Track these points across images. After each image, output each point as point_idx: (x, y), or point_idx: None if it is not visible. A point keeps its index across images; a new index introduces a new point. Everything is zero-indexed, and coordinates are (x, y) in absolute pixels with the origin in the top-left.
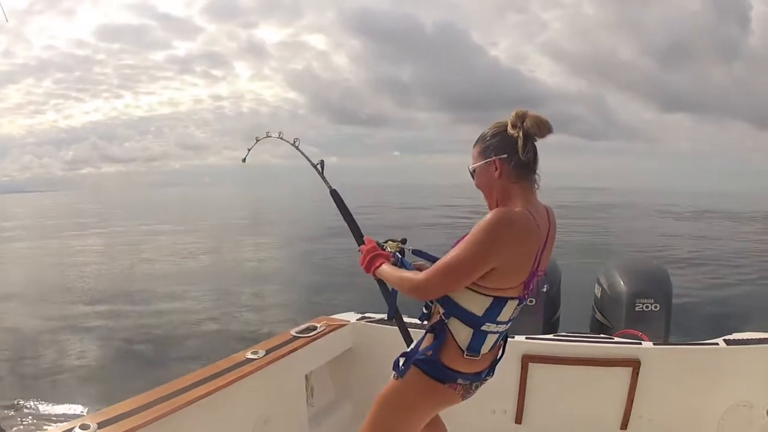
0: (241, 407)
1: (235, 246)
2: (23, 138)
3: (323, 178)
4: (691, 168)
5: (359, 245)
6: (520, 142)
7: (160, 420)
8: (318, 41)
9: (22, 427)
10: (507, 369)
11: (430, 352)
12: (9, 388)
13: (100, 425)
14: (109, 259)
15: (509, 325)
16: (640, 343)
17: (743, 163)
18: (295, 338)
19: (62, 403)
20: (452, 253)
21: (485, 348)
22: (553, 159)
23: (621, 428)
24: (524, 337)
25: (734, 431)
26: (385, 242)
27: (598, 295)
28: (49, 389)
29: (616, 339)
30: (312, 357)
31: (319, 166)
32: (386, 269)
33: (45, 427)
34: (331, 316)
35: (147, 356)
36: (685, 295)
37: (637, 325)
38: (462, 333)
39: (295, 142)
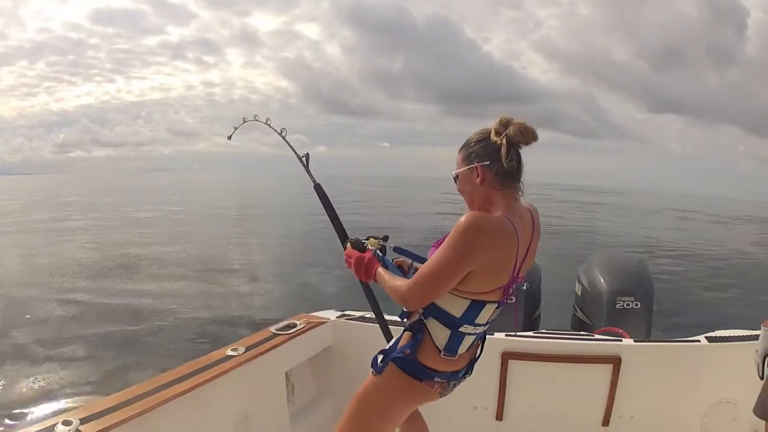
0: (221, 404)
1: (218, 239)
2: (15, 120)
3: (308, 171)
4: (681, 170)
5: (343, 243)
6: (503, 150)
7: (142, 416)
8: (311, 30)
9: (2, 423)
10: (487, 366)
11: (408, 350)
12: None
13: (83, 421)
14: (95, 249)
15: (487, 326)
16: (621, 340)
17: (734, 168)
18: (274, 335)
19: (44, 398)
20: (429, 263)
21: (462, 348)
22: (543, 155)
23: (603, 425)
24: (504, 334)
25: (718, 429)
26: (367, 239)
27: (579, 293)
28: (31, 384)
29: (597, 336)
30: (292, 354)
31: (304, 159)
32: (382, 275)
33: (27, 424)
34: (311, 314)
35: (128, 352)
36: (667, 294)
37: (618, 322)
38: (440, 333)
39: (282, 131)
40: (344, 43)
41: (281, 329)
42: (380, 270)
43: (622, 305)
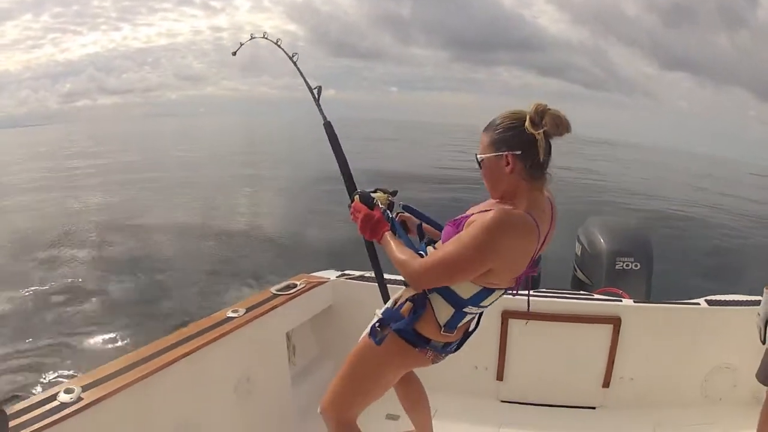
0: (222, 366)
1: (223, 190)
2: (20, 73)
3: (318, 106)
4: (690, 129)
5: (350, 194)
6: (540, 143)
7: (143, 381)
8: None
9: (4, 391)
10: (487, 324)
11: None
12: None
13: (84, 388)
14: (96, 204)
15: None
16: (621, 301)
17: (744, 132)
18: (275, 296)
19: (45, 366)
20: (449, 251)
21: (461, 326)
22: (549, 104)
23: (603, 386)
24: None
25: (718, 393)
26: (375, 191)
27: (579, 253)
28: (32, 352)
29: (597, 296)
30: (293, 315)
31: (316, 92)
32: (390, 243)
33: (29, 392)
34: (311, 274)
35: (128, 314)
36: (669, 255)
37: (618, 283)
38: (443, 311)
39: (293, 56)
40: None
41: (281, 290)
42: (388, 235)
43: (622, 266)
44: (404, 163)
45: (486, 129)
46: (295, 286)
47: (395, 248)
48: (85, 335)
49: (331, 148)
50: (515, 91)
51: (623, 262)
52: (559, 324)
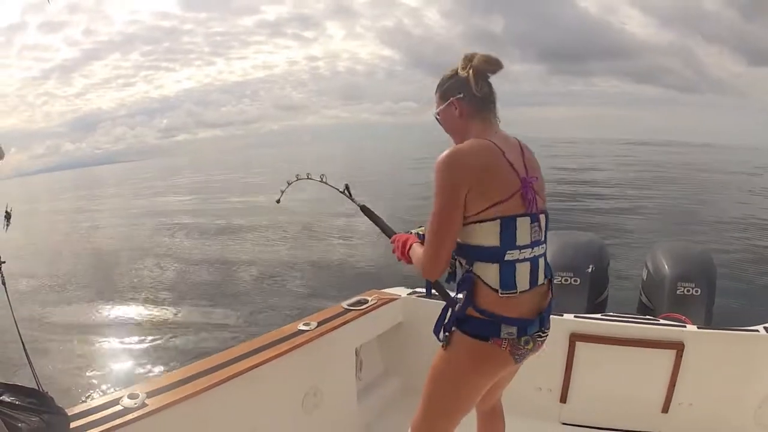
0: (291, 378)
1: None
2: (114, 111)
3: (351, 199)
4: None
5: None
6: (471, 79)
7: (209, 390)
8: None
9: (71, 392)
10: (555, 346)
11: (469, 308)
12: (59, 351)
13: (149, 395)
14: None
15: (535, 250)
16: (685, 326)
17: None
18: (346, 311)
19: (111, 370)
20: (429, 219)
21: (520, 281)
22: (647, 113)
23: (662, 412)
24: (572, 315)
25: None
26: (419, 227)
27: (644, 278)
28: (101, 354)
29: (661, 321)
30: (362, 330)
31: (345, 192)
32: (416, 250)
33: (94, 395)
34: (382, 290)
35: (204, 322)
36: (734, 280)
37: (678, 308)
38: (489, 272)
39: (322, 178)
40: (442, 8)
41: (353, 305)
42: (416, 244)
43: (683, 291)
44: None
45: (436, 90)
46: (366, 301)
47: (417, 251)
48: (158, 339)
49: (373, 223)
50: (614, 99)
51: (684, 287)
52: (624, 348)
